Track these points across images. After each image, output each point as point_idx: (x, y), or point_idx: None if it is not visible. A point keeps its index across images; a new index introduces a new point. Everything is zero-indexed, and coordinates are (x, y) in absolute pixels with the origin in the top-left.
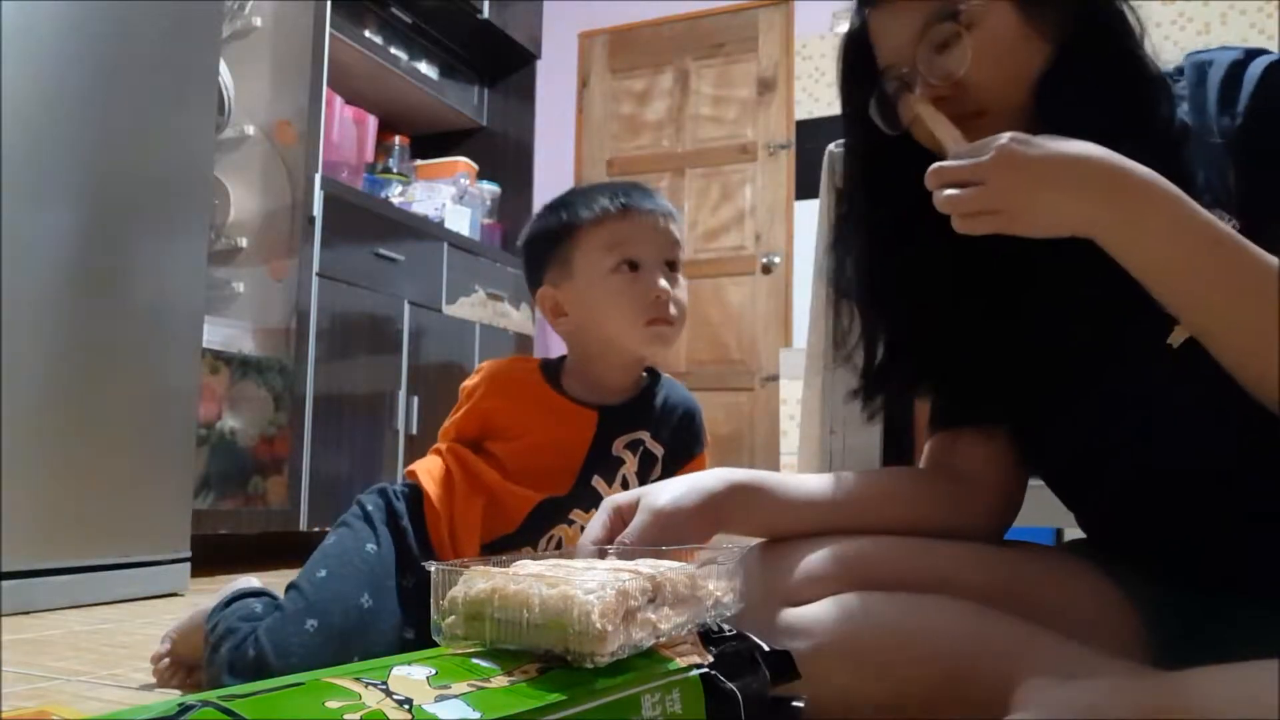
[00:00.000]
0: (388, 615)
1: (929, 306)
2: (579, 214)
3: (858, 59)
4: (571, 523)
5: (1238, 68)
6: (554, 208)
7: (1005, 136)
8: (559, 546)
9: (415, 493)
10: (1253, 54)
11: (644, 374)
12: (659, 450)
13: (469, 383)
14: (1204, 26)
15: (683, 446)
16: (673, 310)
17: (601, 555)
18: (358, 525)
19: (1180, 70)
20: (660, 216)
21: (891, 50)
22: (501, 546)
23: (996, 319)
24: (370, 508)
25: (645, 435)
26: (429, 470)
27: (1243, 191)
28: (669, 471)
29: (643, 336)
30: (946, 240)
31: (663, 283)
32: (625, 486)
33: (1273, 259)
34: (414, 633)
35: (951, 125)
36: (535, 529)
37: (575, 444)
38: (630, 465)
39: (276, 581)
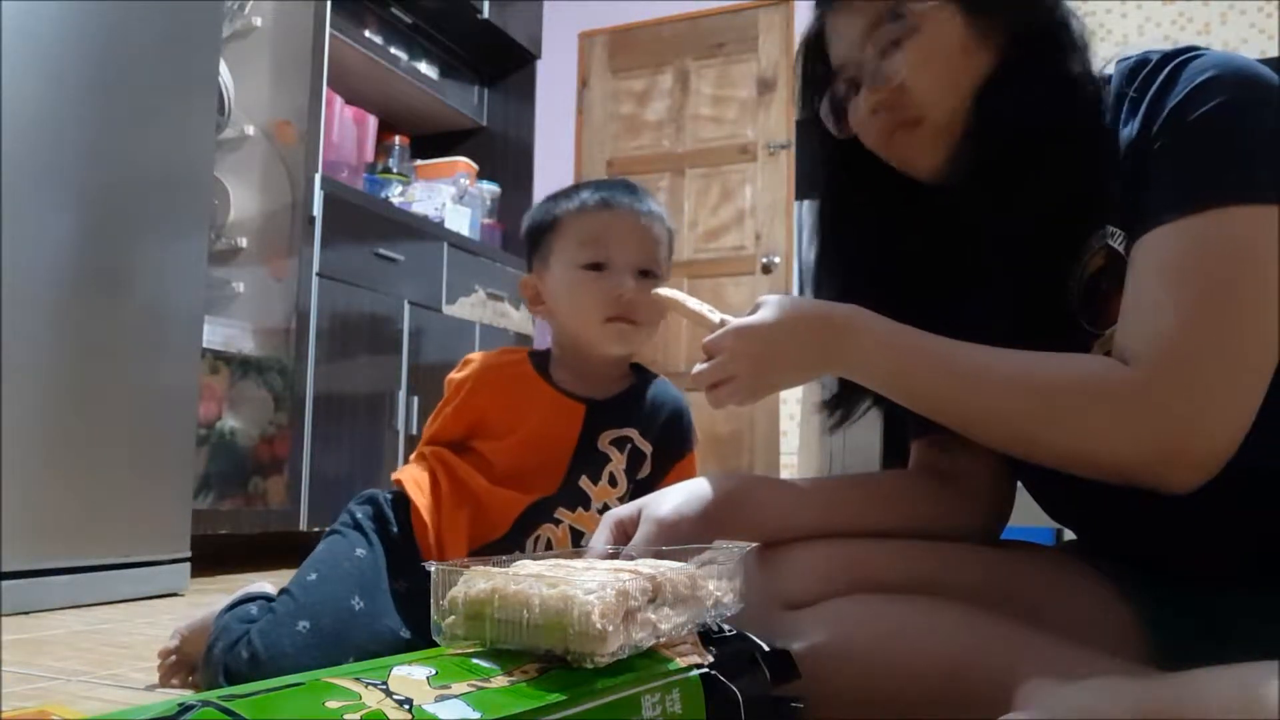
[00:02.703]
0: (380, 617)
1: (896, 313)
2: (561, 205)
3: (814, 63)
4: (558, 522)
5: (1151, 75)
6: (547, 200)
7: (726, 332)
8: (549, 546)
9: (402, 499)
10: (1169, 57)
11: (632, 371)
12: (647, 448)
13: (456, 375)
14: (1204, 26)
15: (671, 445)
16: (637, 312)
17: (602, 555)
18: (348, 532)
19: (1108, 77)
20: (640, 216)
21: (842, 53)
22: (489, 552)
23: (963, 326)
24: (360, 515)
25: (633, 433)
26: (415, 480)
27: (1129, 200)
28: (658, 469)
29: (603, 333)
30: (911, 248)
31: (630, 283)
32: (612, 483)
33: (976, 350)
34: (410, 634)
35: (697, 302)
36: (522, 531)
37: (562, 438)
38: (617, 462)
39: (276, 582)
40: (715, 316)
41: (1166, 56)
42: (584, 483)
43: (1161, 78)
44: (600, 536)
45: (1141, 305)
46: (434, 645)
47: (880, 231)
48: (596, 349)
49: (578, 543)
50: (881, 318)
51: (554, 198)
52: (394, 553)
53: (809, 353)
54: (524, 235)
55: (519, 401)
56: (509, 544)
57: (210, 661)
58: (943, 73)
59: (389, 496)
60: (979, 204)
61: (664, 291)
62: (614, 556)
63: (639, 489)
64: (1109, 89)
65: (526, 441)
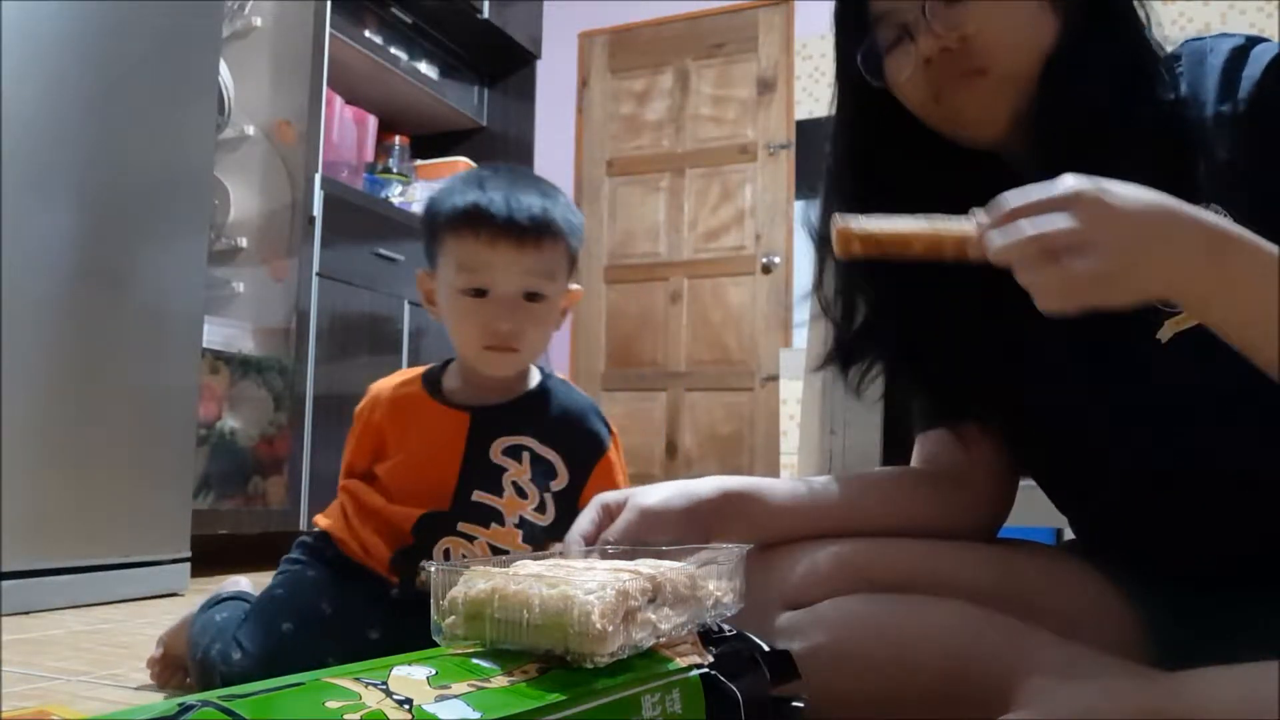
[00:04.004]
0: (349, 618)
1: (911, 296)
2: (444, 214)
3: (856, 14)
4: (472, 538)
5: (1239, 54)
6: (438, 196)
7: (1072, 180)
8: (447, 557)
9: (325, 534)
10: (1254, 41)
11: (532, 374)
12: (553, 455)
13: (359, 406)
14: (1204, 26)
15: (581, 449)
16: (515, 341)
17: (602, 556)
18: (291, 566)
19: (1177, 56)
20: (519, 239)
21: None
22: (404, 558)
23: (980, 315)
24: (294, 554)
25: (530, 440)
26: (328, 514)
27: (1245, 183)
28: (577, 477)
29: (480, 358)
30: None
31: (508, 317)
32: (521, 495)
33: None
34: (378, 634)
35: (909, 218)
36: (426, 541)
37: (447, 450)
38: (517, 472)
39: None
40: (969, 223)
41: (1253, 40)
42: (481, 496)
43: (1267, 63)
44: (586, 517)
45: None
46: (407, 644)
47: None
48: (477, 369)
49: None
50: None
51: (441, 196)
52: (334, 572)
53: (1193, 249)
54: (421, 227)
55: (407, 421)
56: (418, 553)
57: (199, 663)
58: (1012, 27)
59: (313, 535)
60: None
61: (859, 227)
62: (605, 555)
63: (558, 500)
64: (1178, 69)
65: (411, 457)
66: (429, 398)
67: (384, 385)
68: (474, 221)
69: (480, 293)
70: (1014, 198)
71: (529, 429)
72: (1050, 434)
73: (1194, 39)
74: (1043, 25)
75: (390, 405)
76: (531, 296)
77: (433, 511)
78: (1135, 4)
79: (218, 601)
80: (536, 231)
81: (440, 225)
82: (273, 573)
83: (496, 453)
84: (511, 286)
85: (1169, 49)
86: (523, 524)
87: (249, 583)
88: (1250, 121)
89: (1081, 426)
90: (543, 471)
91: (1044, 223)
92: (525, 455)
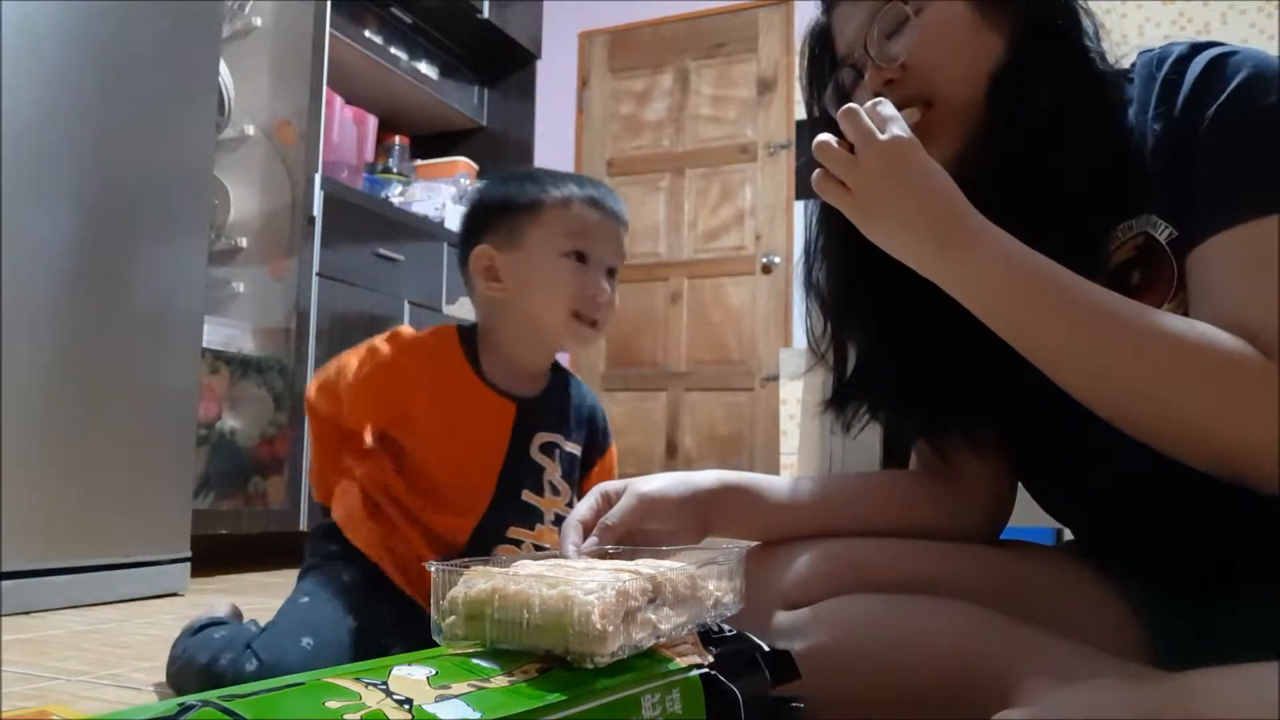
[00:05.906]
0: (374, 637)
1: (900, 316)
2: (547, 191)
3: (819, 56)
4: (518, 542)
5: (1179, 65)
6: (520, 179)
7: (908, 136)
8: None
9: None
10: (1199, 47)
11: (553, 371)
12: (576, 450)
13: (382, 347)
14: (1204, 26)
15: (593, 444)
16: (602, 314)
17: (603, 556)
18: (325, 564)
19: (1133, 65)
20: (619, 224)
21: (848, 40)
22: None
23: (966, 329)
24: (333, 549)
25: (559, 438)
26: (349, 515)
27: (1173, 192)
28: (582, 470)
29: (566, 326)
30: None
31: (605, 284)
32: (555, 492)
33: (1103, 291)
34: (403, 649)
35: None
36: (480, 552)
37: (492, 440)
38: (552, 470)
39: (276, 582)
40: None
41: (1196, 47)
42: (529, 496)
43: (1199, 70)
44: (585, 504)
45: (1246, 298)
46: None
47: None
48: (551, 337)
49: None
50: (1008, 235)
51: (522, 179)
52: (368, 576)
53: (924, 222)
54: (481, 207)
55: (447, 392)
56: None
57: (202, 673)
58: (949, 55)
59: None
60: (996, 195)
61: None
62: (593, 524)
63: (576, 493)
64: (1131, 80)
65: (454, 444)
66: (474, 376)
67: (418, 342)
68: (592, 202)
69: (581, 258)
70: (848, 128)
71: (561, 425)
72: (1042, 444)
73: (1145, 50)
74: (984, 48)
75: (428, 369)
76: (611, 273)
77: (484, 523)
78: (1082, 16)
79: (201, 628)
80: (624, 220)
81: (543, 203)
82: (272, 572)
83: (535, 450)
84: (607, 258)
85: (1161, 46)
86: (558, 521)
87: (230, 606)
88: (1180, 132)
89: (1071, 436)
90: (570, 467)
91: (844, 156)
92: (556, 452)
